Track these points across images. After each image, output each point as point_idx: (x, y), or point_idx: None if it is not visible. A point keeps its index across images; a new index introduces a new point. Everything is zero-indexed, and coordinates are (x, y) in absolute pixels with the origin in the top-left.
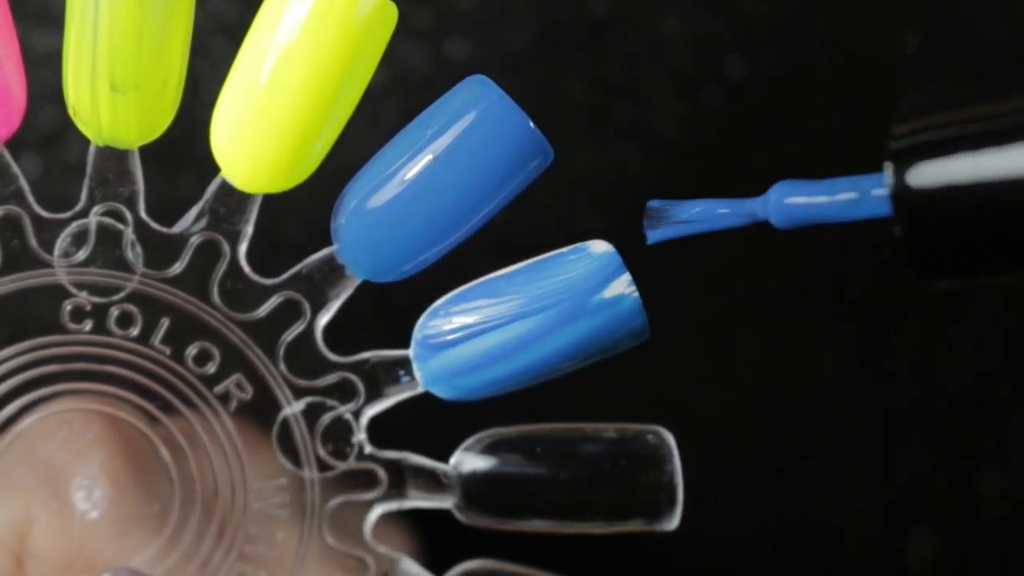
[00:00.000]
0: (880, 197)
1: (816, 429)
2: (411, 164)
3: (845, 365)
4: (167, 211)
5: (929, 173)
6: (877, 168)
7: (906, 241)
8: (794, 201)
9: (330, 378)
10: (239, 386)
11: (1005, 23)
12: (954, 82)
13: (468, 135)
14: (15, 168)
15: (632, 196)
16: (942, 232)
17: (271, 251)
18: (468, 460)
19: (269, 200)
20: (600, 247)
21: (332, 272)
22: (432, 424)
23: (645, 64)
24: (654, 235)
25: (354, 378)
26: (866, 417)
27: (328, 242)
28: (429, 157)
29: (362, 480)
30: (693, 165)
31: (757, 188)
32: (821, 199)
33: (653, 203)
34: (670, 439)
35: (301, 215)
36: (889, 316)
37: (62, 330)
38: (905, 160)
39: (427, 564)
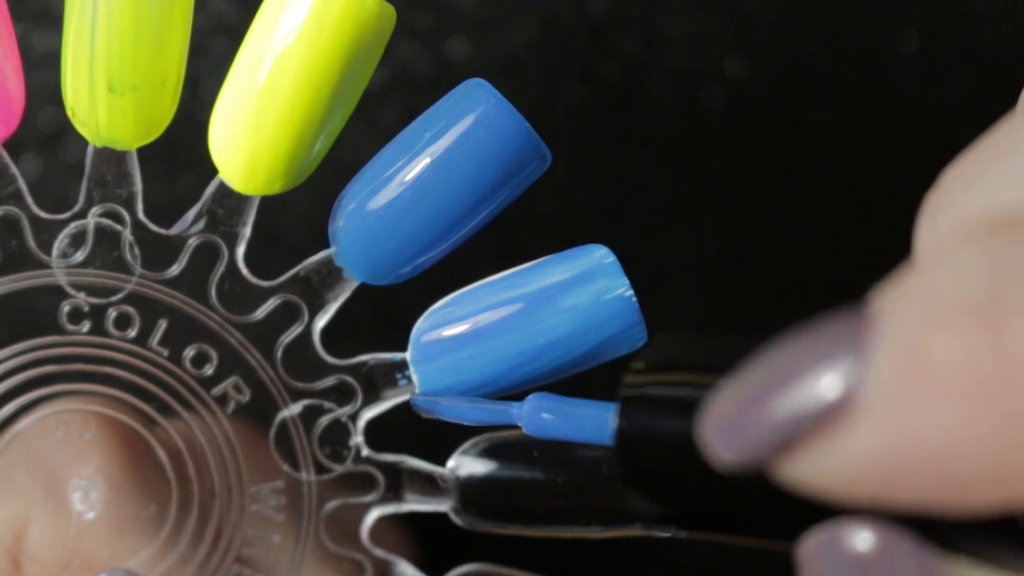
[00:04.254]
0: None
1: None
2: (409, 167)
3: None
4: (165, 212)
5: (643, 425)
6: (873, 172)
7: (622, 478)
8: (543, 416)
9: (328, 380)
10: (237, 388)
11: (1005, 23)
12: (697, 337)
13: (466, 138)
14: (13, 169)
15: (632, 196)
16: (654, 478)
17: (269, 253)
18: (465, 464)
19: (267, 202)
20: (598, 252)
21: (330, 274)
22: (429, 427)
23: (645, 64)
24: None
25: (352, 381)
26: None
27: (326, 244)
28: (427, 160)
29: (359, 483)
30: (693, 165)
31: (757, 188)
32: (565, 422)
33: (418, 400)
34: None
35: (299, 217)
36: None
37: (60, 331)
38: (628, 406)
39: (424, 567)
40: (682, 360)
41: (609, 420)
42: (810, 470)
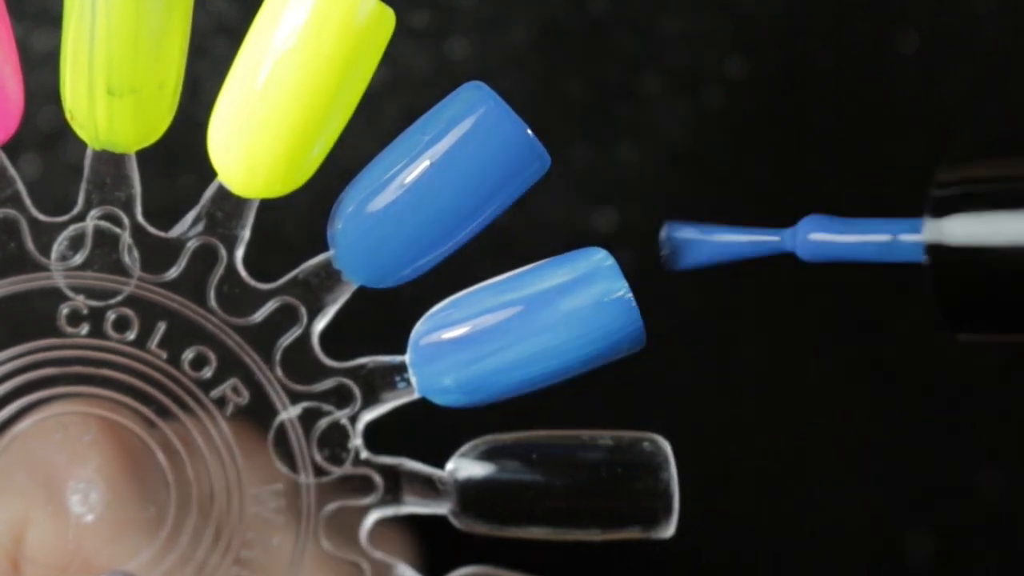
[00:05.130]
0: (913, 243)
1: (816, 431)
2: (408, 170)
3: (845, 366)
4: (164, 215)
5: (966, 228)
6: (873, 172)
7: (937, 292)
8: (823, 238)
9: (327, 383)
10: (235, 390)
11: (1005, 23)
12: (1005, 126)
13: (465, 141)
14: (12, 171)
15: (632, 196)
16: (973, 288)
17: (268, 256)
18: (464, 466)
19: (266, 204)
20: (597, 254)
21: (329, 277)
22: (429, 430)
23: (645, 64)
24: (677, 262)
25: (351, 383)
26: (865, 419)
27: (325, 247)
28: (426, 163)
29: (358, 485)
30: (693, 165)
31: (757, 188)
32: (851, 238)
33: (673, 232)
34: (666, 447)
35: (298, 219)
36: (888, 316)
37: (59, 333)
38: (944, 211)
39: (423, 570)
40: (999, 152)
41: (902, 230)
42: None
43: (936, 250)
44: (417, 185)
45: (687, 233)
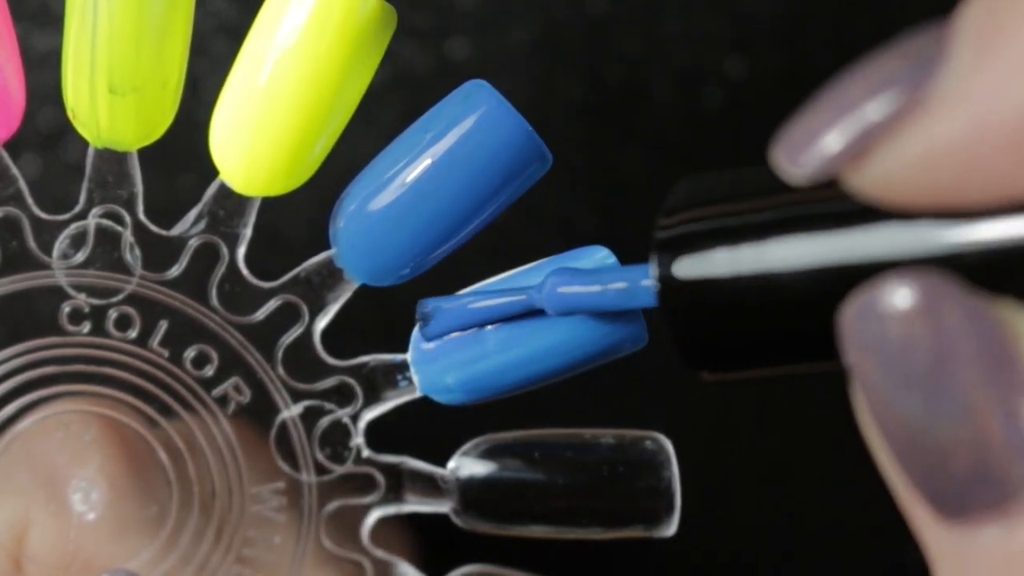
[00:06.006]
0: (648, 288)
1: (816, 431)
2: (410, 168)
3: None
4: (166, 213)
5: (690, 266)
6: None
7: (672, 333)
8: (566, 291)
9: (328, 382)
10: (237, 389)
11: None
12: (722, 175)
13: (467, 139)
14: (14, 170)
15: (632, 196)
16: (705, 326)
17: (270, 254)
18: (466, 465)
19: (268, 203)
20: (598, 253)
21: (331, 276)
22: (430, 428)
23: (645, 64)
24: (430, 332)
25: (352, 382)
26: None
27: (327, 245)
28: (428, 161)
29: (360, 484)
30: (693, 165)
31: None
32: (592, 288)
33: (424, 304)
34: (668, 445)
35: (300, 218)
36: None
37: (60, 332)
38: (668, 251)
39: (425, 569)
40: (714, 194)
41: (637, 277)
42: (883, 171)
43: (665, 291)
44: (419, 183)
45: (437, 303)
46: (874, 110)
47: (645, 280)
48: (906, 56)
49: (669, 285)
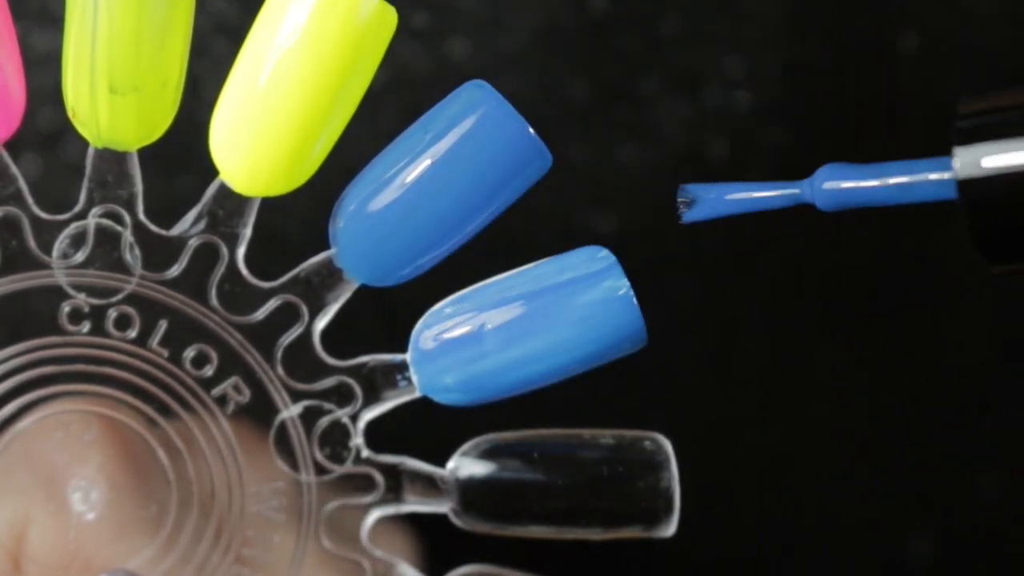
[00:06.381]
0: (935, 181)
1: (815, 432)
2: (410, 168)
3: (845, 364)
4: (166, 213)
5: (997, 156)
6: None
7: (972, 223)
8: (841, 185)
9: (328, 382)
10: (236, 389)
11: (1005, 23)
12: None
13: (467, 140)
14: (14, 169)
15: (632, 196)
16: (1008, 217)
17: (269, 254)
18: (465, 465)
19: (268, 203)
20: (599, 252)
21: (330, 276)
22: (430, 428)
23: (645, 64)
24: (690, 215)
25: (352, 382)
26: (866, 418)
27: (327, 245)
28: (428, 161)
29: (359, 484)
30: (693, 165)
31: None
32: (871, 183)
33: (689, 186)
34: (667, 445)
35: (300, 218)
36: (889, 315)
37: (60, 331)
38: (972, 140)
39: (424, 569)
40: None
41: (923, 170)
42: None
43: (968, 182)
44: (418, 184)
45: (703, 188)
46: None
47: (935, 173)
48: None
49: (973, 177)
